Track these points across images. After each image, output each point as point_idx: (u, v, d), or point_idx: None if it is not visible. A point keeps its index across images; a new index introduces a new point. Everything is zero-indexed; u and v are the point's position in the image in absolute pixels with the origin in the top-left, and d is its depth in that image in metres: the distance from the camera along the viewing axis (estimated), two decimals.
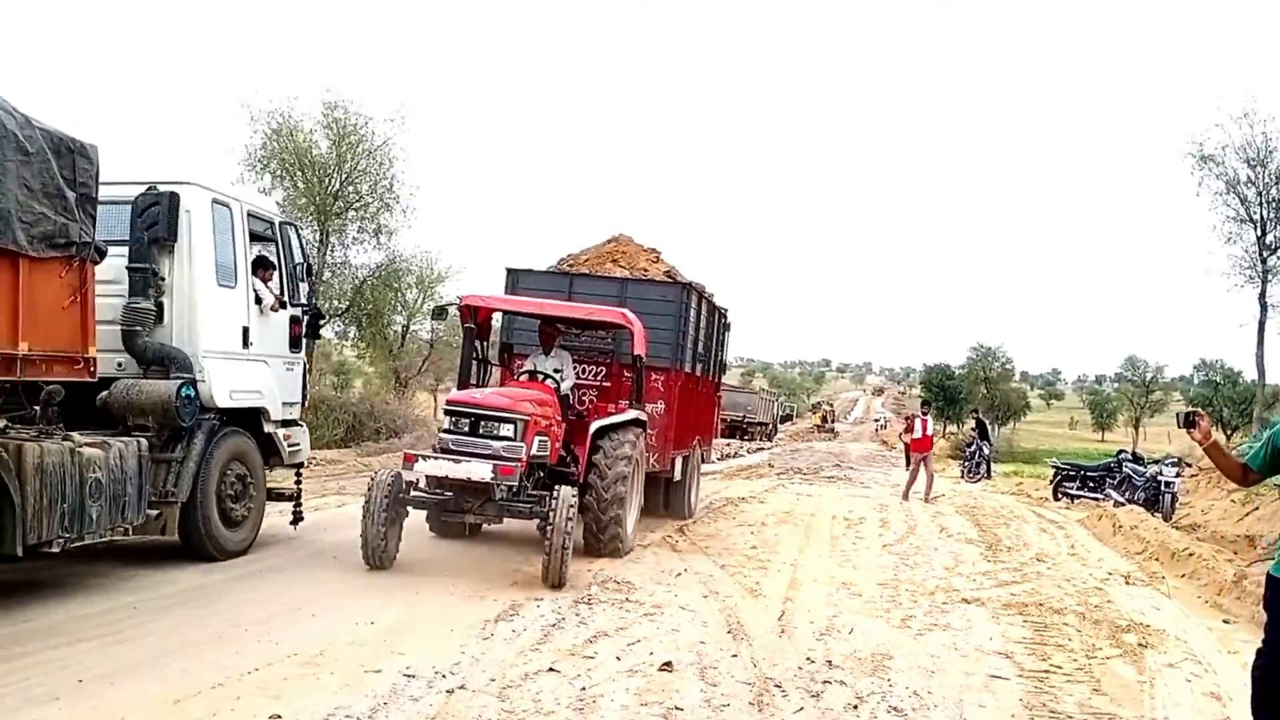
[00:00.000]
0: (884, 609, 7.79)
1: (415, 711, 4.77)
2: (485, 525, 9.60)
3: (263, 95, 51.64)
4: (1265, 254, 26.92)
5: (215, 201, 7.95)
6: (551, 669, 5.56)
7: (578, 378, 10.41)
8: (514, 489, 8.15)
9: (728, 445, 37.18)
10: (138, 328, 7.35)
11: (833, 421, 68.58)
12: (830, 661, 6.09)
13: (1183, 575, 9.94)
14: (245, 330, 8.25)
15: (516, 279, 11.43)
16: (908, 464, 28.16)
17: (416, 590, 7.44)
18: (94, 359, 6.56)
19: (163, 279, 7.50)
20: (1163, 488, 14.96)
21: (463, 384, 9.47)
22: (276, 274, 8.75)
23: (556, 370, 9.62)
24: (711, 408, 14.64)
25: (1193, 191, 27.69)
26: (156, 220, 7.35)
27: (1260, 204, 26.93)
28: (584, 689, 5.26)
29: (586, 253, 12.97)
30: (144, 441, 6.96)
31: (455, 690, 5.09)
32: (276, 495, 9.06)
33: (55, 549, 6.11)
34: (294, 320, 8.97)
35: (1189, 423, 4.52)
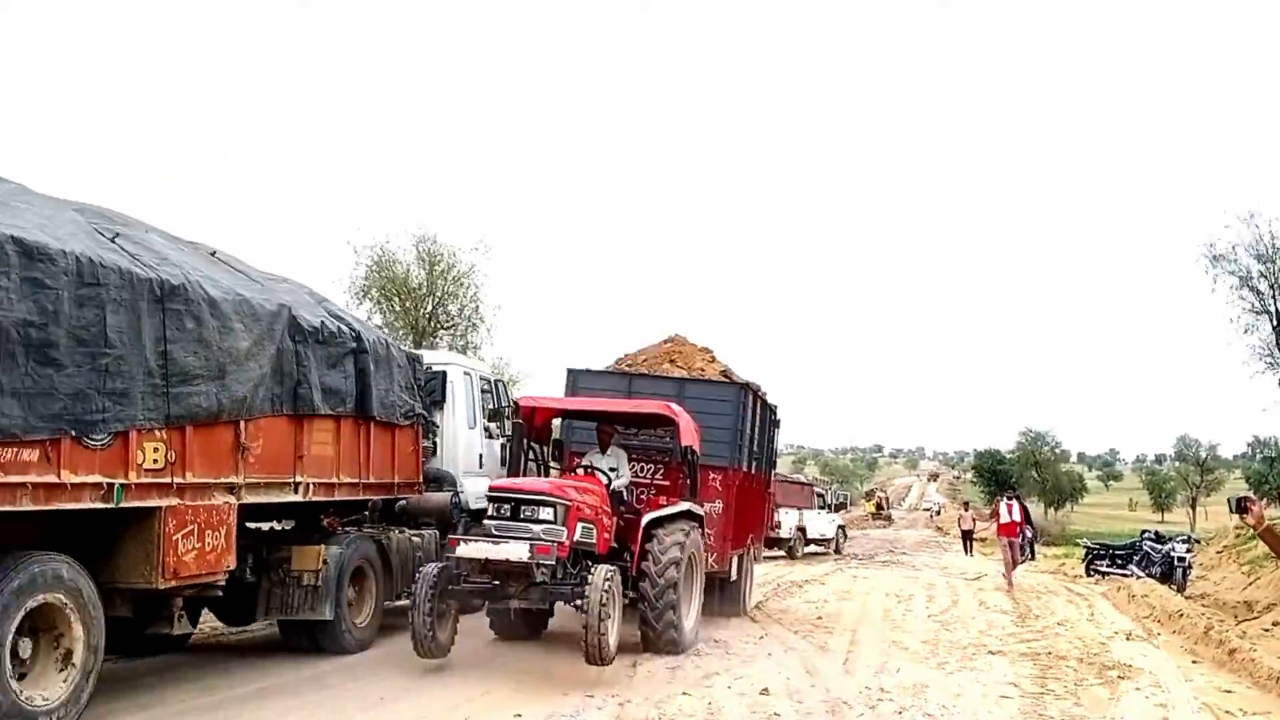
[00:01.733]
0: (924, 657, 10.10)
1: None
2: (547, 627, 9.98)
3: (364, 232, 55.24)
4: None
5: (464, 372, 11.95)
6: (685, 693, 7.98)
7: (636, 476, 10.57)
8: (554, 571, 8.28)
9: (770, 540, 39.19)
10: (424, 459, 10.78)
11: (887, 508, 69.82)
12: (883, 689, 8.42)
13: (1174, 631, 12.09)
14: (480, 456, 11.95)
15: (576, 379, 11.76)
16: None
17: (486, 688, 7.92)
18: (422, 483, 10.57)
19: (436, 426, 11.12)
20: (1176, 562, 17.01)
21: (511, 475, 9.71)
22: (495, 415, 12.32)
23: (612, 469, 9.77)
24: (764, 504, 14.67)
25: (1208, 288, 29.97)
26: (435, 390, 11.02)
27: (1273, 296, 29.05)
28: (709, 706, 7.67)
29: (644, 352, 13.22)
30: (435, 532, 10.46)
31: (624, 704, 7.52)
32: None
33: (404, 600, 9.29)
34: (503, 446, 11.87)
35: (1241, 509, 4.43)
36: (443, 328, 28.75)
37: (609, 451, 10.05)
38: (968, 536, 31.00)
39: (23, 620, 5.61)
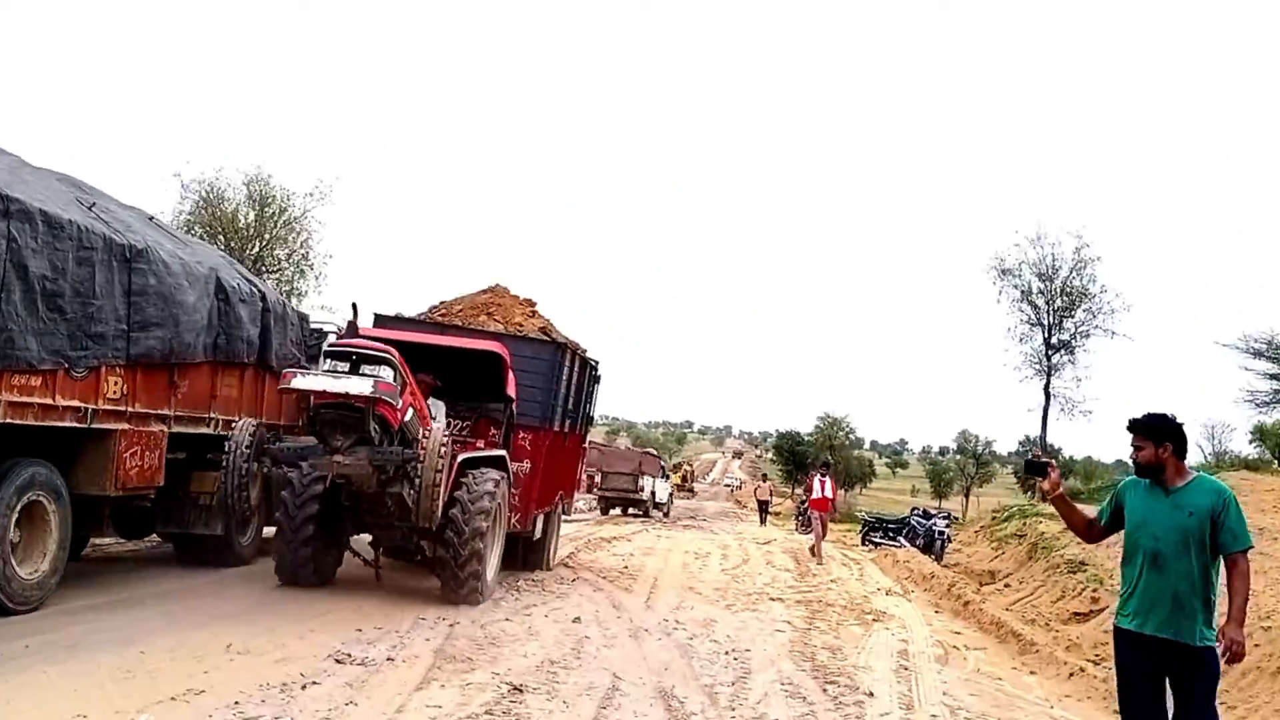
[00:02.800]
0: (714, 601, 11.49)
1: (432, 636, 8.11)
2: (338, 570, 9.57)
3: (194, 166, 52.57)
4: (1050, 352, 32.63)
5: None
6: (507, 619, 8.98)
7: (460, 433, 10.42)
8: (386, 434, 8.05)
9: (592, 498, 40.73)
10: None
11: (692, 481, 72.85)
12: (678, 621, 9.69)
13: (925, 590, 14.06)
14: None
15: (385, 327, 10.93)
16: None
17: (331, 605, 8.53)
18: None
19: None
20: (936, 535, 19.36)
21: None
22: None
23: (433, 417, 9.44)
24: (576, 462, 14.50)
25: (993, 297, 33.50)
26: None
27: (1048, 311, 32.75)
28: (529, 629, 8.70)
29: (460, 301, 12.76)
30: None
31: (454, 625, 8.45)
32: None
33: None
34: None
35: (1037, 471, 4.53)
36: (268, 271, 28.37)
37: (429, 401, 9.49)
38: (764, 507, 33.26)
39: (16, 512, 6.98)
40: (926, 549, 19.14)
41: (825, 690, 7.14)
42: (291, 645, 6.96)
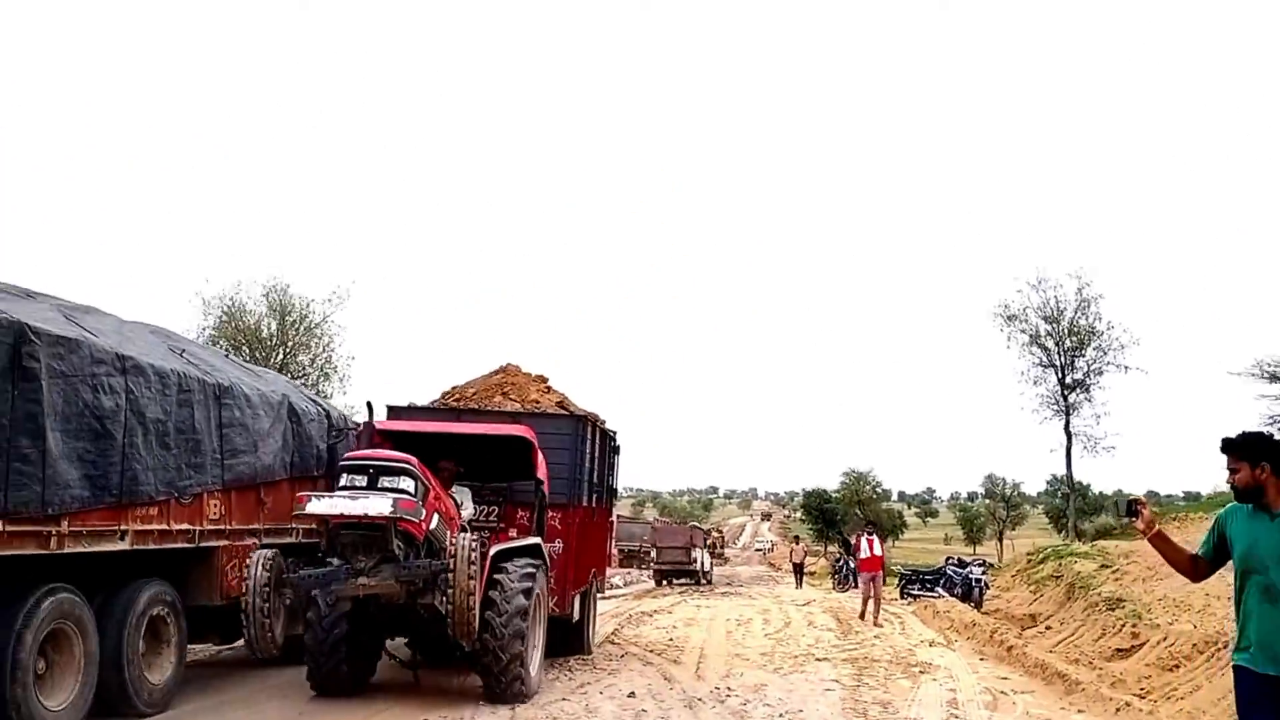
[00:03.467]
0: (762, 665, 11.74)
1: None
2: (375, 675, 9.24)
3: (214, 284, 54.48)
4: (1065, 392, 32.93)
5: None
6: (564, 699, 9.27)
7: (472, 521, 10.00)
8: (412, 549, 7.75)
9: (627, 572, 40.93)
10: None
11: (722, 547, 72.51)
12: (729, 689, 9.95)
13: (968, 638, 14.23)
14: None
15: (399, 419, 10.62)
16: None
17: (387, 704, 8.60)
18: None
19: None
20: (973, 583, 19.49)
21: None
22: None
23: (459, 505, 9.15)
24: (605, 538, 14.26)
25: (1002, 345, 34.04)
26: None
27: (1058, 353, 33.16)
28: (586, 707, 8.99)
29: (473, 384, 12.45)
30: None
31: (514, 709, 8.75)
32: None
33: None
34: None
35: (1131, 512, 4.36)
36: (294, 378, 29.05)
37: (452, 489, 9.17)
38: (799, 569, 33.28)
39: (144, 626, 7.85)
40: (965, 597, 19.26)
41: None
42: None
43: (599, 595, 14.23)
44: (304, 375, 29.70)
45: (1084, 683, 9.64)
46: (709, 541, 41.30)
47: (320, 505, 7.49)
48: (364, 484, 7.61)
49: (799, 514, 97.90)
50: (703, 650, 13.25)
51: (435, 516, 7.98)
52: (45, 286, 8.54)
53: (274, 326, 29.42)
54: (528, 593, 8.47)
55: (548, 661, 10.36)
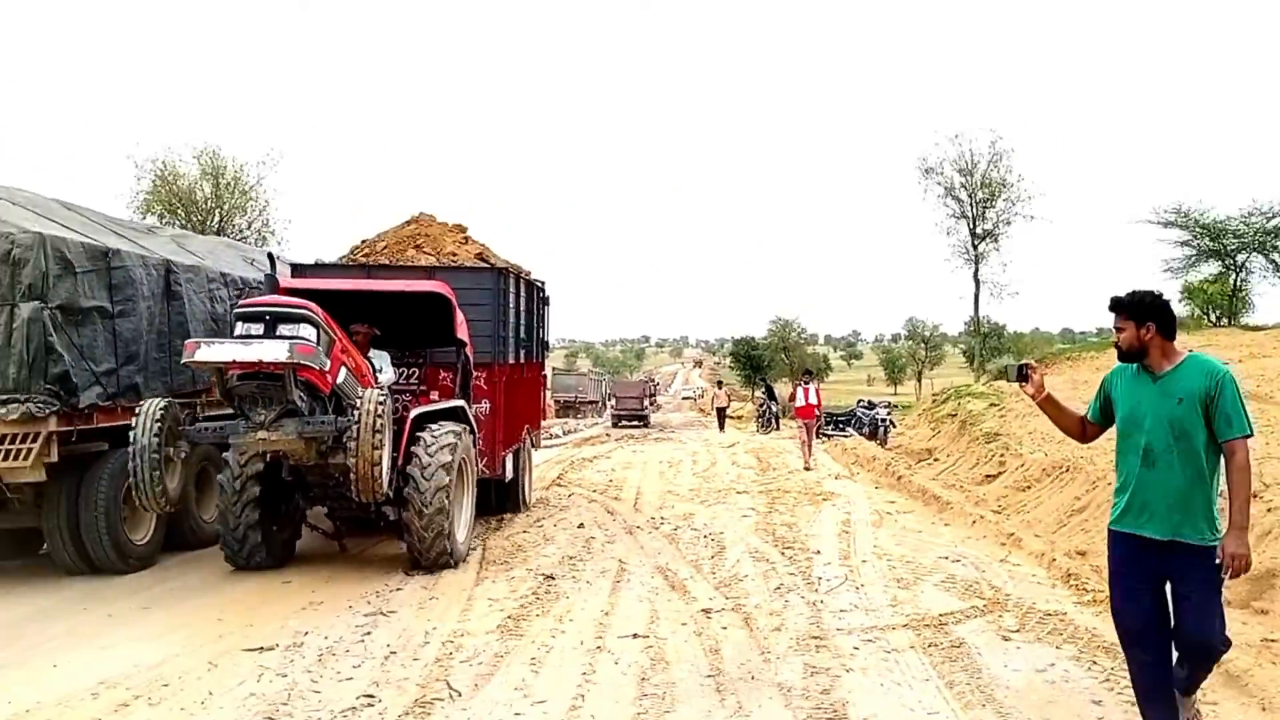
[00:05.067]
0: (690, 499, 13.61)
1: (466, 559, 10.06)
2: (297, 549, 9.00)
3: (144, 146, 54.91)
4: (976, 242, 35.01)
5: None
6: (524, 531, 10.97)
7: (411, 383, 9.92)
8: (313, 403, 7.30)
9: (564, 422, 43.10)
10: None
11: (654, 394, 75.16)
12: (663, 518, 11.77)
13: (869, 471, 16.34)
14: None
15: (305, 276, 10.01)
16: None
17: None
18: None
19: None
20: (879, 423, 21.70)
21: None
22: None
23: (378, 370, 8.71)
24: (538, 392, 13.81)
25: (919, 197, 35.81)
26: None
27: (971, 204, 35.05)
28: (544, 536, 10.70)
29: (384, 237, 11.80)
30: None
31: (484, 539, 10.41)
32: None
33: None
34: None
35: (1021, 376, 4.30)
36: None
37: (370, 354, 8.75)
38: (721, 413, 34.92)
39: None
40: (872, 436, 21.48)
41: (783, 554, 9.24)
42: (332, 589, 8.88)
43: (534, 449, 13.83)
44: (241, 238, 30.18)
45: (954, 503, 11.64)
46: (652, 391, 52.33)
47: (210, 351, 6.78)
48: (260, 332, 7.02)
49: (728, 361, 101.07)
50: (639, 489, 15.10)
51: (343, 370, 7.51)
52: None
53: (208, 189, 29.68)
54: (451, 450, 8.15)
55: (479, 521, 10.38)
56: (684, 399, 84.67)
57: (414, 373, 10.02)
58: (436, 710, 5.04)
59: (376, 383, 8.38)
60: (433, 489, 8.00)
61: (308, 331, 7.11)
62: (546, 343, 14.01)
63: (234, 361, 6.88)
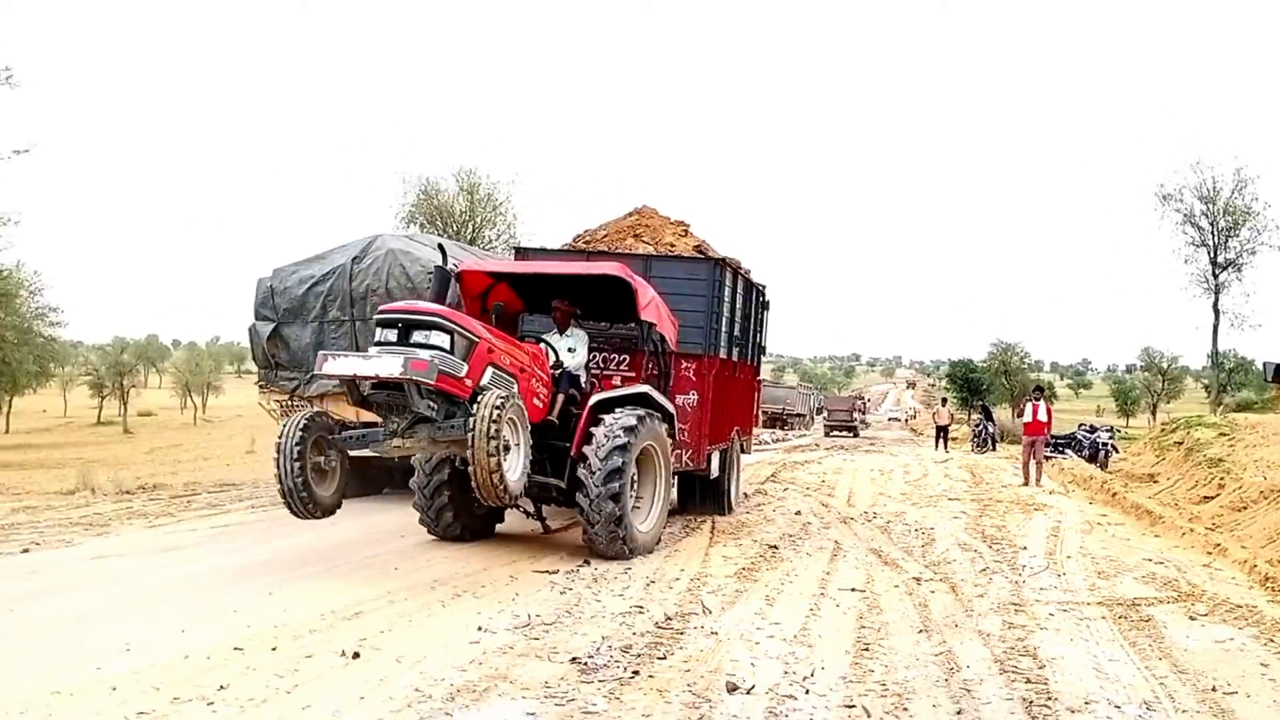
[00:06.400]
0: (901, 501, 14.42)
1: (696, 529, 11.38)
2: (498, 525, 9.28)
3: (411, 166, 66.30)
4: (1216, 271, 33.45)
5: None
6: (747, 513, 12.19)
7: (602, 368, 9.81)
8: (445, 408, 7.18)
9: (772, 433, 44.14)
10: None
11: (864, 412, 74.66)
12: (875, 513, 12.70)
13: (1084, 489, 16.51)
14: None
15: (527, 259, 10.73)
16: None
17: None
18: None
19: None
20: (1100, 446, 21.48)
21: None
22: None
23: (570, 350, 8.81)
24: (751, 396, 13.54)
25: (1155, 224, 34.69)
26: None
27: (1212, 232, 33.53)
28: (764, 518, 11.88)
29: (605, 228, 11.93)
30: None
31: (714, 520, 11.71)
32: None
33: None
34: None
35: (1277, 377, 3.94)
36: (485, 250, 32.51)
37: (568, 332, 8.95)
38: (943, 431, 32.95)
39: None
40: (1091, 459, 21.30)
41: (990, 547, 10.01)
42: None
43: (744, 454, 13.44)
44: (490, 248, 33.13)
45: (1166, 518, 11.92)
46: (861, 406, 62.58)
47: (334, 365, 7.02)
48: (394, 339, 7.13)
49: (944, 383, 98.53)
50: (851, 490, 16.02)
51: (489, 370, 7.38)
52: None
53: (464, 204, 32.77)
54: (624, 446, 7.98)
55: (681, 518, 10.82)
56: (891, 419, 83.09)
57: (623, 359, 9.95)
58: (693, 620, 6.35)
59: (558, 357, 8.65)
60: (603, 475, 7.89)
61: (439, 338, 7.07)
62: (763, 347, 13.87)
63: (355, 375, 7.05)
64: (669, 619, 6.33)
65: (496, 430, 6.65)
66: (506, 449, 6.90)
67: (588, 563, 8.10)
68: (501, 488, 6.80)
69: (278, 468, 7.15)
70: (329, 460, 7.48)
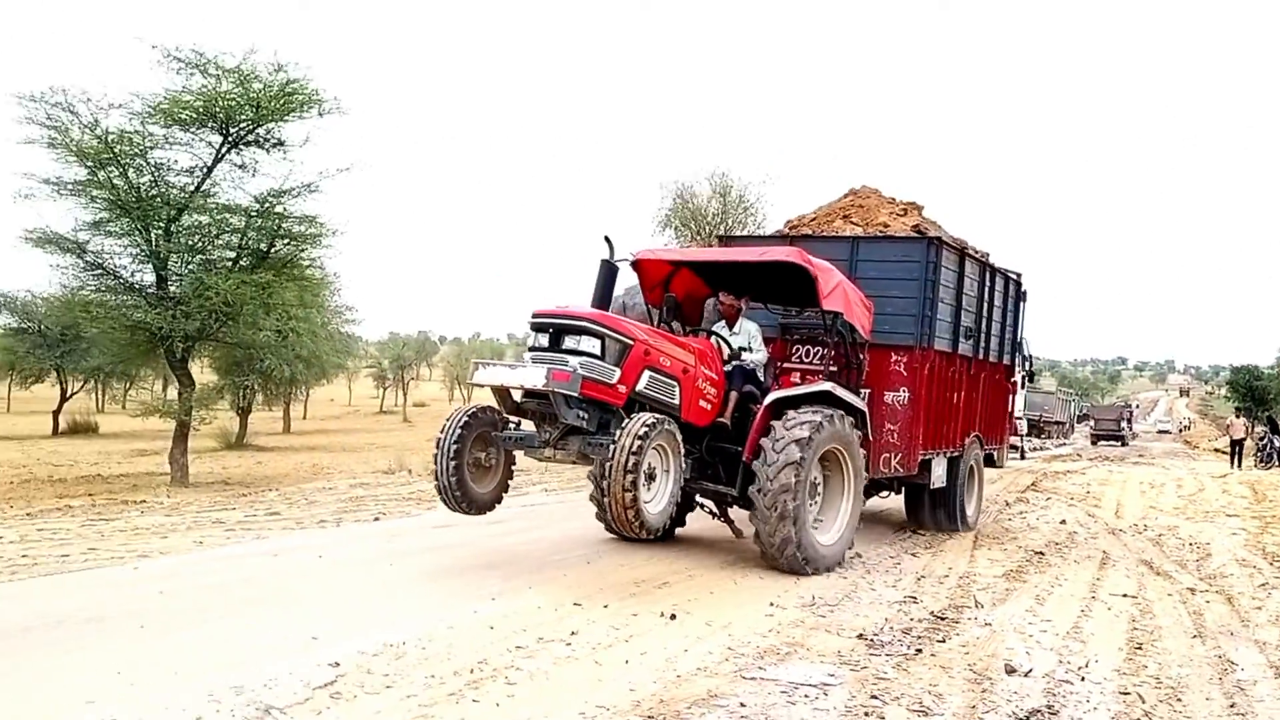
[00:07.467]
0: (1174, 514, 14.00)
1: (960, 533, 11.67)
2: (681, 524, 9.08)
3: (670, 174, 67.40)
4: None
5: None
6: (1010, 519, 12.34)
7: (799, 362, 9.47)
8: (597, 417, 6.92)
9: (1029, 440, 42.44)
10: None
11: (1132, 422, 69.97)
12: (1146, 526, 12.49)
13: None
14: None
15: (730, 244, 10.53)
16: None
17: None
18: None
19: None
20: None
21: None
22: None
23: (743, 349, 8.37)
24: (998, 396, 11.99)
25: None
26: None
27: None
28: (1028, 525, 12.00)
29: (818, 211, 11.09)
30: None
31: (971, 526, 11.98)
32: None
33: None
34: None
35: None
36: None
37: (737, 325, 8.52)
38: (1238, 445, 29.82)
39: None
40: None
41: (1271, 564, 9.75)
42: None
43: (991, 466, 12.45)
44: None
45: None
46: (1129, 415, 62.84)
47: (482, 374, 6.96)
48: (546, 345, 6.95)
49: (1223, 390, 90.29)
50: (1119, 501, 15.64)
51: (645, 374, 7.05)
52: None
53: (716, 205, 33.96)
54: (798, 463, 7.42)
55: (903, 536, 10.25)
56: (1161, 430, 77.31)
57: (818, 353, 9.39)
58: (966, 612, 6.89)
59: (733, 351, 8.24)
60: (777, 487, 7.41)
61: (589, 344, 6.83)
62: (1018, 344, 12.57)
63: (503, 385, 6.93)
64: (944, 611, 6.90)
65: (636, 463, 6.30)
66: (651, 477, 6.60)
67: (858, 554, 8.76)
68: (637, 523, 6.44)
69: (435, 463, 7.25)
70: (490, 456, 7.48)
